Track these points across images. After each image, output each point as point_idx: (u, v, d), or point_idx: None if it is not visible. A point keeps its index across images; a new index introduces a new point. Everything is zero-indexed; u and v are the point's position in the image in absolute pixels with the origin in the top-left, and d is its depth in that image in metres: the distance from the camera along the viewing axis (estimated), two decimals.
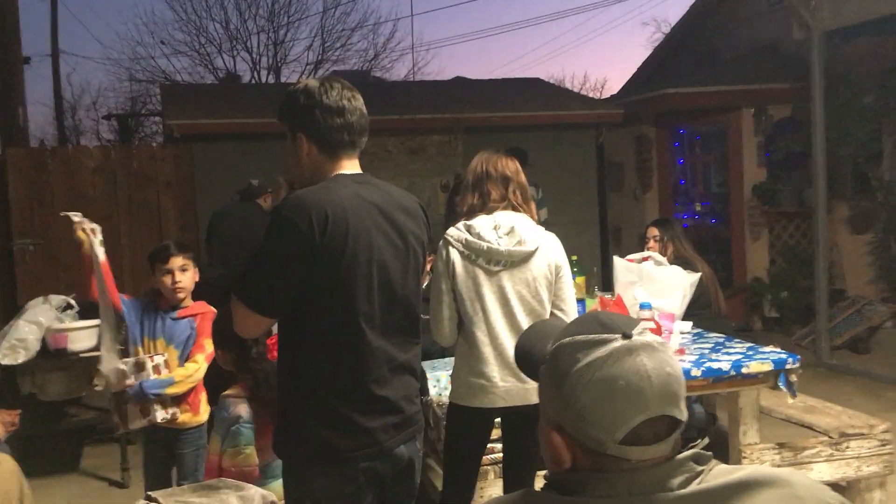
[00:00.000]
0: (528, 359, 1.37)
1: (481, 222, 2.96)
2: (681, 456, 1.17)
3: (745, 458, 3.61)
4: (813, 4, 6.44)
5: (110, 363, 3.24)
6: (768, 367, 3.57)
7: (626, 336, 1.15)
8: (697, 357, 3.67)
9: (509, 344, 2.87)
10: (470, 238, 2.92)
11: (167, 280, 3.38)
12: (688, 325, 4.23)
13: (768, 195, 8.39)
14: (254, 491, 1.72)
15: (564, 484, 1.17)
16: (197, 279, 3.48)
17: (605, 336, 1.15)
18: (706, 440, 4.13)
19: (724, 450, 3.75)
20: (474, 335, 2.93)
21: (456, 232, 2.97)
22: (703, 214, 9.49)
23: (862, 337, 7.30)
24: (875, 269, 7.83)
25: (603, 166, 9.35)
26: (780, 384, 3.56)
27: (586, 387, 1.13)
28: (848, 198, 8.12)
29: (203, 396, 3.51)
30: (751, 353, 3.74)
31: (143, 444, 3.59)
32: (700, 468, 1.17)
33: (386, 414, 2.11)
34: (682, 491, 1.13)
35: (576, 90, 17.65)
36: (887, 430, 3.83)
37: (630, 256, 4.44)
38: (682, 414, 1.16)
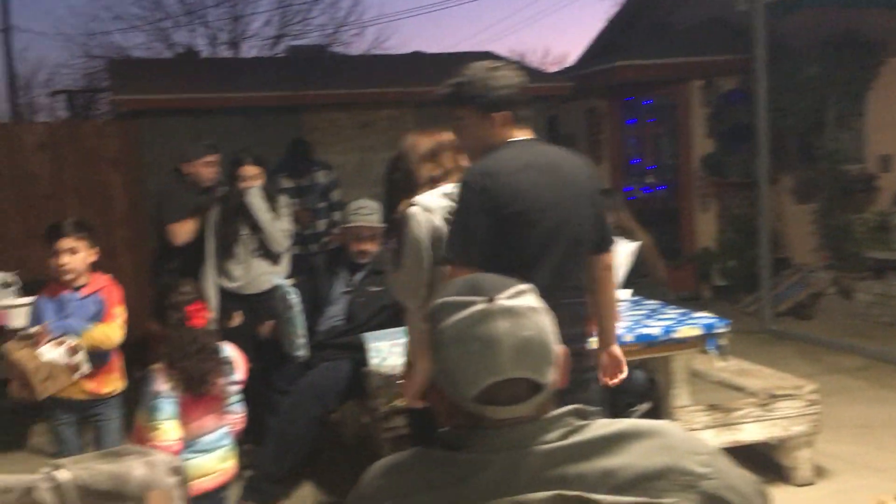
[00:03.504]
0: None
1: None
2: (556, 412, 1.21)
3: (676, 419, 3.70)
4: None
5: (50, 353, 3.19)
6: (698, 331, 3.66)
7: (490, 300, 1.19)
8: (631, 324, 3.75)
9: None
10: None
11: (53, 261, 3.35)
12: (627, 292, 4.31)
13: (716, 166, 8.52)
14: (161, 457, 1.75)
15: (450, 440, 1.22)
16: (93, 259, 3.41)
17: (470, 299, 1.20)
18: (649, 404, 4.14)
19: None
20: None
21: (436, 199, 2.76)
22: (655, 186, 9.59)
23: (805, 303, 7.48)
24: (818, 237, 8.01)
25: (556, 138, 9.40)
26: (708, 347, 3.66)
27: (447, 346, 1.19)
28: (792, 168, 8.27)
29: (119, 365, 3.53)
30: (682, 318, 3.82)
31: (52, 416, 3.49)
32: (580, 423, 1.22)
33: None
34: (560, 443, 1.19)
35: (535, 64, 17.64)
36: (815, 390, 3.94)
37: None
38: (545, 377, 1.20)
